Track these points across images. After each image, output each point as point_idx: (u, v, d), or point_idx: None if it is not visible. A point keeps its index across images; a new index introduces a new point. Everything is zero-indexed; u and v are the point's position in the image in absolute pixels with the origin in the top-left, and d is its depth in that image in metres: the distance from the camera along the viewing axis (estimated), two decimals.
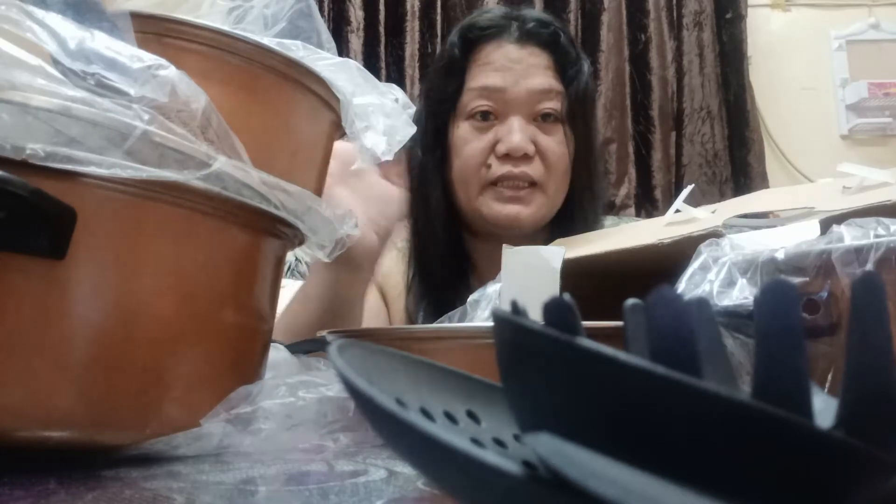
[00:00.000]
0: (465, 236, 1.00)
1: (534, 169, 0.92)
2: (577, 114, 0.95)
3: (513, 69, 0.92)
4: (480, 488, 0.16)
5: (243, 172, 0.39)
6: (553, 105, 0.93)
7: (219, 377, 0.41)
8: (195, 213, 0.39)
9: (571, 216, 0.97)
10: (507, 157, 0.91)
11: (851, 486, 0.16)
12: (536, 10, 2.05)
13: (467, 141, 0.94)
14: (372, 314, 0.97)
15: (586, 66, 0.97)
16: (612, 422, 0.16)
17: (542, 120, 0.93)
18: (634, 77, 2.21)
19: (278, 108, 0.45)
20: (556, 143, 0.94)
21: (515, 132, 0.90)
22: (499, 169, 0.91)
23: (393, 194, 0.76)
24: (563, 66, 0.94)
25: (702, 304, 0.23)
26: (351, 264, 0.72)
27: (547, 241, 0.99)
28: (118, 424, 0.37)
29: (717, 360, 0.23)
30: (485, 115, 0.93)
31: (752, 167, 2.22)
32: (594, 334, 0.19)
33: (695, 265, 0.41)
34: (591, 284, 0.52)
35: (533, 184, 0.92)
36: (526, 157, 0.91)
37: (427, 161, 0.96)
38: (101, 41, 0.37)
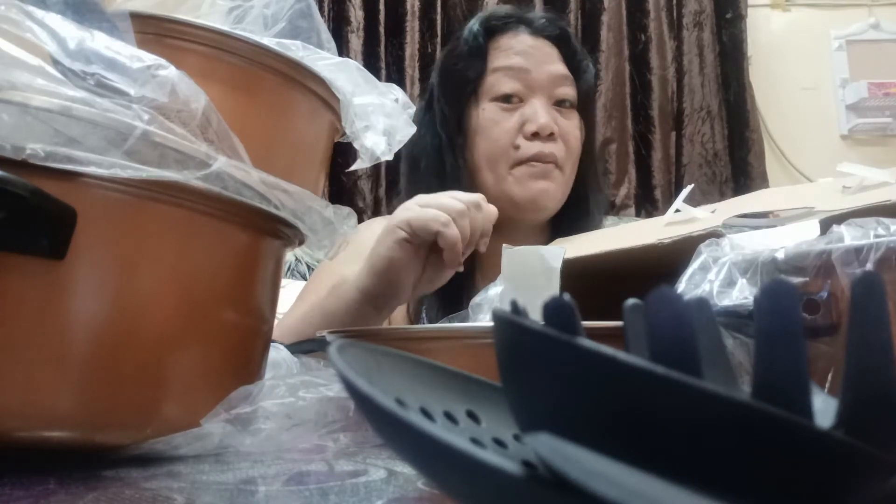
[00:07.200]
0: None
1: (557, 149, 0.97)
2: (587, 105, 1.03)
3: (533, 55, 0.99)
4: (480, 488, 0.16)
5: (243, 172, 0.39)
6: (570, 91, 1.00)
7: (219, 377, 0.40)
8: (195, 213, 0.39)
9: (577, 207, 1.02)
10: (535, 136, 0.95)
11: (851, 486, 0.16)
12: (540, 11, 2.06)
13: (496, 122, 0.97)
14: None
15: (591, 64, 1.04)
16: (612, 422, 0.16)
17: (560, 105, 0.99)
18: (634, 77, 2.21)
19: (278, 108, 0.45)
20: (573, 127, 1.00)
21: (542, 113, 0.96)
22: (529, 148, 0.95)
23: (444, 271, 0.77)
24: (572, 61, 1.01)
25: (702, 304, 0.23)
26: (383, 305, 0.77)
27: (549, 237, 1.01)
28: (118, 424, 0.37)
29: (717, 360, 0.23)
30: (508, 98, 0.98)
31: (752, 167, 2.22)
32: (594, 334, 0.19)
33: (695, 265, 0.41)
34: (592, 284, 0.52)
35: (555, 163, 0.97)
36: (552, 137, 0.96)
37: (445, 148, 0.99)
38: (101, 41, 0.37)
